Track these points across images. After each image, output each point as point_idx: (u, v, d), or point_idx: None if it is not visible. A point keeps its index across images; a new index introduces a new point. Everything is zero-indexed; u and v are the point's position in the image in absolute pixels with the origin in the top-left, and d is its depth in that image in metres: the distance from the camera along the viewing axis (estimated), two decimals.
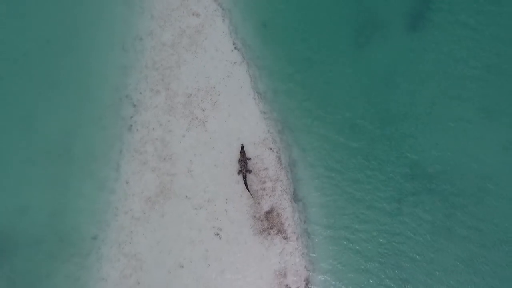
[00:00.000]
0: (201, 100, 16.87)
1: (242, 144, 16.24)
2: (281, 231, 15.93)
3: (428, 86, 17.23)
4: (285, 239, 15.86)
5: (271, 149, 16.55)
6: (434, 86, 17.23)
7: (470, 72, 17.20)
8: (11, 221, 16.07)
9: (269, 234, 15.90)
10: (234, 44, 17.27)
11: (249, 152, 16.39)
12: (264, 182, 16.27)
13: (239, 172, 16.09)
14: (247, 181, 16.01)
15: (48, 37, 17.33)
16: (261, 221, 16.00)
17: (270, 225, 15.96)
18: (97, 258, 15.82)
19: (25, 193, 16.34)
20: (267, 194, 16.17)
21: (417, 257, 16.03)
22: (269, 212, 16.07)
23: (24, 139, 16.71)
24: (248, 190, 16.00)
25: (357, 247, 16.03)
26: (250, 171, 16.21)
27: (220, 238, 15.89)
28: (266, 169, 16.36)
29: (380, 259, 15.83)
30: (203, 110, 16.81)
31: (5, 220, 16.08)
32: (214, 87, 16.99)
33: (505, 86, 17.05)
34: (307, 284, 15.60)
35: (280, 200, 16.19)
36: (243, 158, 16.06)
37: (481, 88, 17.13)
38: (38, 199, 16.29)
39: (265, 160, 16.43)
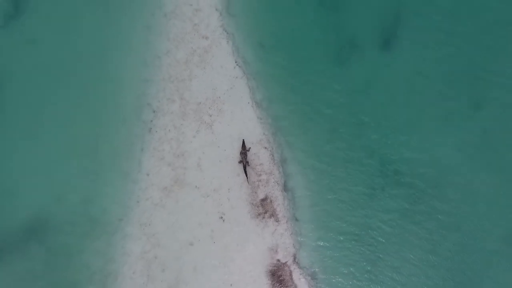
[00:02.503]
0: (209, 108, 19.14)
1: (243, 140, 18.54)
2: (273, 215, 18.09)
3: (397, 98, 19.43)
4: (276, 221, 18.06)
5: (265, 148, 18.79)
6: (402, 98, 19.46)
7: (431, 84, 19.50)
8: (49, 207, 17.92)
9: (263, 217, 18.06)
10: (236, 62, 19.58)
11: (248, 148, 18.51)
12: (260, 175, 18.58)
13: (240, 161, 18.37)
14: (246, 170, 18.21)
15: (82, 53, 19.63)
16: (257, 207, 18.17)
17: (265, 210, 18.15)
18: (122, 236, 17.69)
19: (61, 183, 18.22)
20: (262, 185, 18.44)
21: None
22: (263, 200, 18.26)
23: (60, 138, 18.73)
24: (246, 177, 18.22)
25: (337, 227, 18.10)
26: (249, 164, 18.39)
27: (223, 220, 18.02)
28: (261, 164, 18.65)
29: (356, 237, 18.03)
30: (210, 115, 19.08)
31: (44, 206, 17.91)
32: (220, 97, 19.27)
33: (461, 97, 19.38)
34: (294, 258, 17.78)
35: (273, 190, 18.41)
36: (244, 151, 18.29)
37: (440, 99, 19.37)
38: (72, 188, 18.14)
39: (261, 157, 18.69)
